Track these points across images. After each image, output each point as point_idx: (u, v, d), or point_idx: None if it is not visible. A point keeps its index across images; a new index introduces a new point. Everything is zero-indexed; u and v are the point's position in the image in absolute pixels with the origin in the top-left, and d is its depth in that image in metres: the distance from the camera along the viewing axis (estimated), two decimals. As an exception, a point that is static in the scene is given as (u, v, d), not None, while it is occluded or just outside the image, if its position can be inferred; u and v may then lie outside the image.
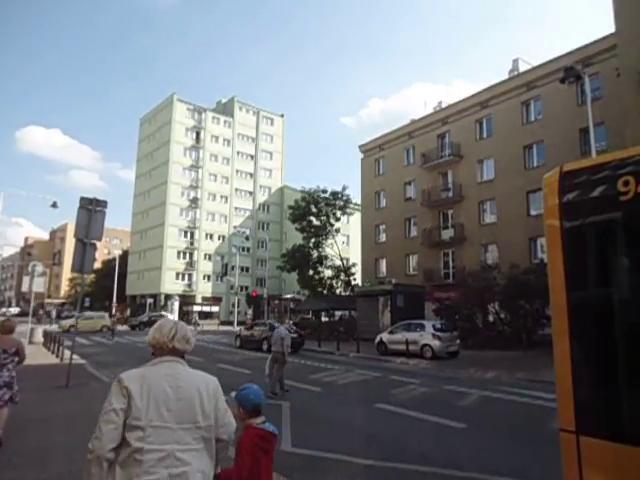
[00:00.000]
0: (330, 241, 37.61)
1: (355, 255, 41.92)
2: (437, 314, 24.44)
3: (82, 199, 10.51)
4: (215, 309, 59.41)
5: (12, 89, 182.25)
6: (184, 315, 54.19)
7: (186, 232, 59.80)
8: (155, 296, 56.33)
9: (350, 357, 19.36)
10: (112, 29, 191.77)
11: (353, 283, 37.77)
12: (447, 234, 31.64)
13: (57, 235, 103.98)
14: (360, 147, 41.12)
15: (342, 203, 37.69)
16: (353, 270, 38.86)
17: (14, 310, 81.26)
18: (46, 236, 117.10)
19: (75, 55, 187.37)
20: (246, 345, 22.60)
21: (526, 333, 21.25)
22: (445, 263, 31.87)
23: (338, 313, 36.50)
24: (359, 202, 40.78)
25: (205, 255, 60.69)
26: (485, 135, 30.81)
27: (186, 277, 59.03)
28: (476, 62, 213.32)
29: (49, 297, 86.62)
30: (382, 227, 37.35)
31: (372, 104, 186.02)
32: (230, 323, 39.34)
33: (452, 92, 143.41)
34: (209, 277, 60.41)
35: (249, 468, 2.39)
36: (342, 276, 38.16)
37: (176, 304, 54.22)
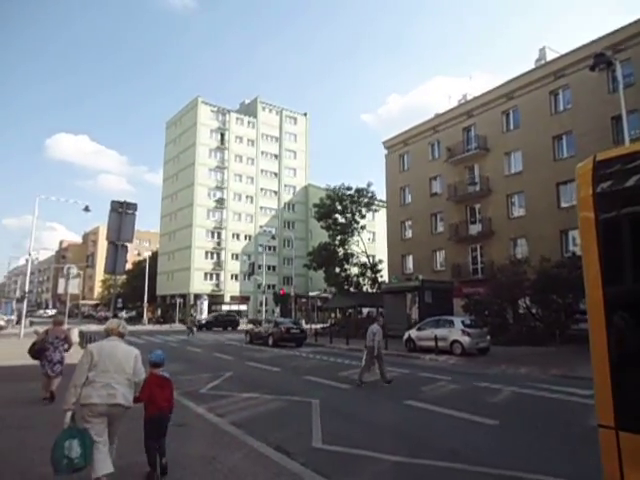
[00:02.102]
0: (356, 238, 37.51)
1: (381, 252, 41.69)
2: (466, 310, 24.11)
3: (113, 202, 10.74)
4: (243, 308, 60.07)
5: (40, 97, 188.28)
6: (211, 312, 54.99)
7: (213, 232, 60.63)
8: (184, 296, 57.35)
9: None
10: (136, 36, 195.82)
11: (380, 280, 37.58)
12: (475, 229, 31.15)
13: (89, 238, 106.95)
14: (384, 143, 40.85)
15: (367, 200, 37.52)
16: (379, 267, 38.65)
17: (51, 311, 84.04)
18: (79, 239, 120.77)
19: (101, 63, 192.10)
20: (255, 340, 24.76)
21: (559, 328, 20.73)
22: (473, 258, 31.38)
23: (365, 310, 36.43)
24: (384, 199, 40.54)
25: (232, 255, 61.41)
26: (512, 127, 30.15)
27: (214, 277, 59.87)
28: (498, 54, 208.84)
29: (83, 298, 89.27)
30: (408, 223, 37.03)
31: (391, 100, 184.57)
32: (259, 322, 39.71)
33: (474, 85, 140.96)
34: (237, 276, 61.12)
35: (148, 395, 4.48)
36: (369, 273, 38.01)
37: (205, 303, 55.12)
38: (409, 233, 36.94)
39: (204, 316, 47.54)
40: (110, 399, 3.98)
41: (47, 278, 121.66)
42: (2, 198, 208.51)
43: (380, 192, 39.99)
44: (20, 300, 44.24)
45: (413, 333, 19.78)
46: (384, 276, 38.60)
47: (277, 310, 51.62)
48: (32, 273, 33.93)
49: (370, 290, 37.70)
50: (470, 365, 15.40)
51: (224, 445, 5.78)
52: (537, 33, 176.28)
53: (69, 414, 3.92)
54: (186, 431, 6.42)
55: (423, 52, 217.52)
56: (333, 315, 43.59)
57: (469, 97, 36.07)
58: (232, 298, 60.17)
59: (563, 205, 26.03)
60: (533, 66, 31.56)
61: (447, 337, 18.01)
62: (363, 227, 38.00)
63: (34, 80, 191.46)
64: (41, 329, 9.03)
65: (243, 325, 44.77)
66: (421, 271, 32.66)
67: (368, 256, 38.00)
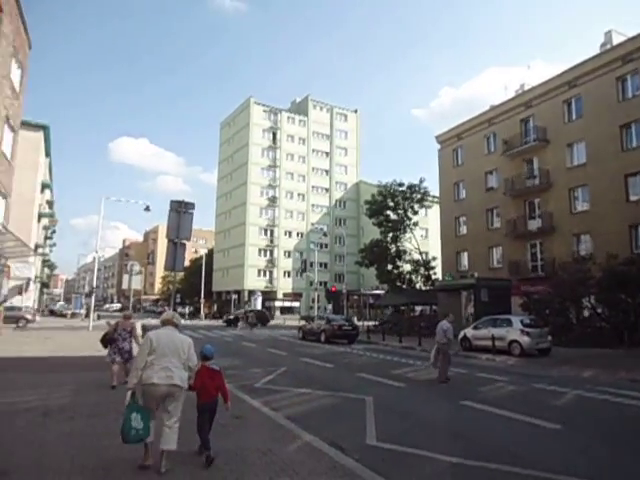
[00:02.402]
0: (408, 235, 36.98)
1: (434, 249, 40.87)
2: (525, 309, 23.18)
3: (172, 202, 11.20)
4: (296, 304, 60.89)
5: (104, 103, 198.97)
6: (266, 310, 56.10)
7: (266, 230, 61.78)
8: (239, 292, 58.87)
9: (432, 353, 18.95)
10: (189, 41, 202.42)
11: (433, 277, 36.87)
12: (534, 224, 29.82)
13: (150, 236, 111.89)
14: (437, 138, 39.94)
15: (420, 196, 36.87)
16: (433, 264, 37.91)
17: (116, 306, 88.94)
18: (140, 238, 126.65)
19: (157, 68, 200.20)
20: (307, 336, 25.02)
21: (628, 329, 19.50)
22: (532, 255, 30.06)
23: (418, 308, 35.87)
24: (437, 194, 39.69)
25: (285, 252, 62.34)
26: (574, 117, 28.55)
27: (267, 274, 61.04)
28: (559, 40, 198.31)
29: (145, 293, 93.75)
30: (462, 219, 36.03)
31: (443, 94, 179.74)
32: (311, 318, 40.07)
33: (531, 75, 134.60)
34: (289, 273, 61.98)
35: (200, 384, 4.91)
36: (422, 270, 37.37)
37: (259, 300, 56.28)
38: (464, 229, 35.94)
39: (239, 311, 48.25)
40: (168, 380, 4.47)
41: (112, 274, 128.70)
42: (71, 200, 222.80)
43: (433, 188, 39.21)
44: (88, 295, 47.04)
45: (469, 332, 19.27)
46: (438, 273, 37.83)
47: (329, 307, 51.87)
48: (98, 270, 36.06)
49: (423, 288, 37.08)
50: (530, 366, 14.81)
51: (279, 438, 5.90)
52: (601, 16, 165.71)
53: (129, 393, 4.49)
54: (242, 423, 6.60)
55: (477, 43, 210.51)
56: (380, 312, 43.33)
57: (527, 87, 34.54)
58: (285, 295, 61.12)
59: (632, 198, 24.40)
60: (598, 51, 29.73)
61: (505, 337, 17.40)
62: (416, 224, 37.40)
63: (97, 88, 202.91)
64: (112, 322, 9.90)
65: (273, 322, 45.62)
66: (476, 268, 31.71)
67: (421, 253, 37.36)
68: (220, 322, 44.09)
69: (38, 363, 12.47)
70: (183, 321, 37.21)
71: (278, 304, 59.77)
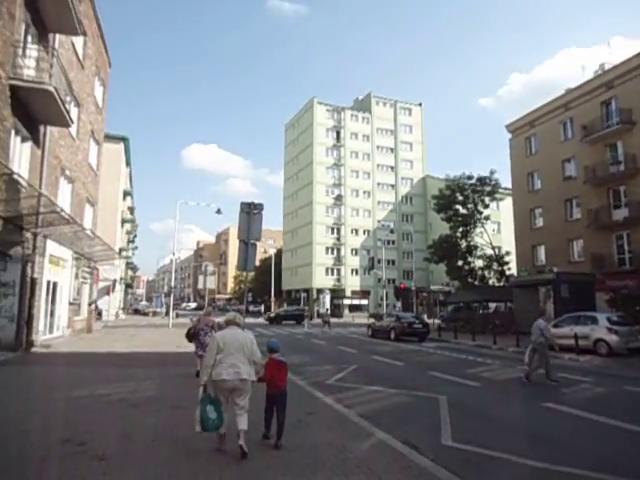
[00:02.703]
0: (479, 229, 35.62)
1: (508, 243, 39.07)
2: (612, 305, 21.61)
3: (242, 204, 11.58)
4: (364, 302, 60.74)
5: (176, 113, 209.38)
6: (335, 308, 56.45)
7: (333, 229, 62.17)
8: (308, 290, 59.74)
9: (509, 352, 18.16)
10: (251, 46, 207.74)
11: (508, 273, 35.25)
12: (620, 214, 27.58)
13: (222, 238, 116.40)
14: (507, 127, 38.12)
15: (490, 188, 35.36)
16: (507, 259, 36.25)
17: (192, 305, 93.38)
18: (213, 239, 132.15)
19: (223, 74, 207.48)
20: (377, 335, 24.68)
21: None
22: (619, 247, 27.82)
23: (492, 305, 34.47)
24: (509, 186, 37.87)
25: (352, 250, 62.40)
26: (664, 94, 26.07)
27: (335, 272, 61.41)
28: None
29: (218, 293, 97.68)
30: (538, 211, 34.12)
31: (513, 80, 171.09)
32: (380, 316, 39.77)
33: (612, 53, 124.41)
34: (357, 271, 61.96)
35: (269, 376, 5.37)
36: (494, 266, 35.85)
37: (327, 297, 56.76)
38: (539, 222, 34.01)
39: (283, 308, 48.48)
40: (236, 375, 4.93)
41: (188, 275, 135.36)
42: (150, 206, 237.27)
43: (504, 179, 37.47)
44: (167, 295, 49.82)
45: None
46: (512, 269, 36.13)
47: (398, 304, 51.25)
48: (175, 271, 38.07)
49: (497, 284, 35.59)
50: (619, 367, 13.77)
51: (352, 435, 5.93)
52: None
53: (201, 388, 5.01)
54: (316, 419, 6.71)
55: (548, 24, 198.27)
56: (441, 309, 42.02)
57: (607, 67, 32.01)
58: (353, 292, 61.18)
59: None
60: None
61: (589, 335, 16.30)
62: (487, 217, 35.93)
63: (168, 100, 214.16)
64: (194, 318, 11.08)
65: (342, 319, 45.15)
66: (555, 263, 29.91)
67: (493, 248, 35.86)
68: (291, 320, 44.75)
69: (127, 358, 13.41)
70: (259, 319, 37.93)
71: (346, 302, 59.94)
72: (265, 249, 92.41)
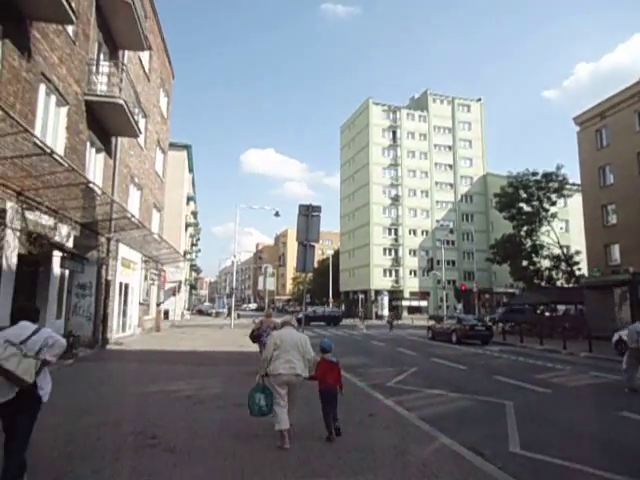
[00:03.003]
0: (545, 228, 33.89)
1: (577, 242, 36.87)
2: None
3: (300, 206, 11.74)
4: (423, 303, 59.62)
5: (234, 121, 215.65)
6: (393, 309, 55.80)
7: (390, 229, 61.52)
8: (366, 292, 59.45)
9: (580, 357, 17.15)
10: (305, 50, 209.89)
11: (578, 274, 33.28)
12: None
13: (280, 240, 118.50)
14: (575, 119, 36.01)
15: (557, 185, 33.58)
16: (576, 259, 34.24)
17: (252, 306, 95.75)
18: (271, 241, 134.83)
19: (279, 79, 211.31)
20: (437, 337, 24.19)
21: None
22: None
23: (561, 307, 32.70)
24: (578, 182, 35.74)
25: (410, 251, 61.45)
26: None
27: (393, 273, 60.71)
28: None
29: (277, 294, 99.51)
30: (611, 207, 31.93)
31: (579, 70, 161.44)
32: (440, 318, 38.78)
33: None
34: (415, 272, 60.93)
35: (320, 374, 5.71)
36: (563, 266, 34.00)
37: (385, 299, 56.24)
38: (613, 219, 31.82)
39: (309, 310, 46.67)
40: (291, 370, 5.38)
41: (248, 277, 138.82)
42: (212, 210, 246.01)
43: (572, 175, 35.48)
44: (229, 296, 51.38)
45: (625, 334, 17.00)
46: (583, 269, 34.07)
47: (459, 306, 49.81)
48: (236, 272, 39.16)
49: (565, 285, 33.70)
50: None
51: (414, 439, 5.84)
52: None
53: (258, 377, 5.59)
54: (376, 421, 6.67)
55: (617, 7, 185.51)
56: (486, 310, 40.17)
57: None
58: (411, 294, 60.22)
59: None
60: None
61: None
62: (553, 215, 34.14)
63: (227, 106, 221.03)
64: (257, 320, 11.36)
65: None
66: (632, 262, 27.84)
67: (561, 247, 34.02)
68: (349, 321, 44.66)
69: (192, 357, 13.99)
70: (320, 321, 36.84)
71: (405, 303, 59.09)
72: (322, 251, 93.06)
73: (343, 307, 65.28)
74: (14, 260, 9.30)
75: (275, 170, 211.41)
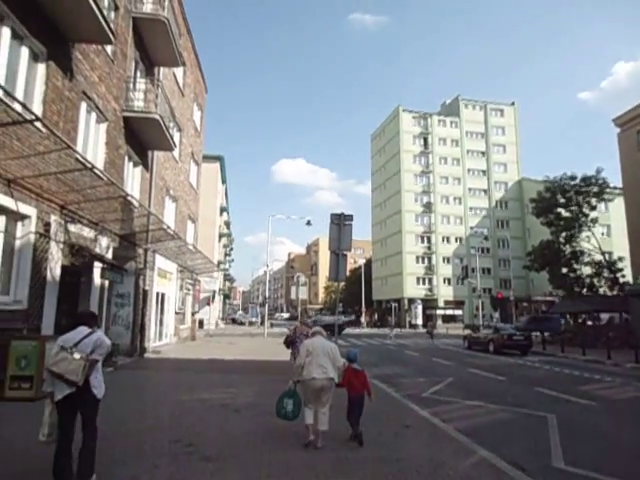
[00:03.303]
0: (586, 234, 32.69)
1: (621, 247, 35.43)
2: None
3: (332, 215, 11.78)
4: (458, 312, 58.43)
5: (265, 132, 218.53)
6: (427, 319, 54.99)
7: (422, 237, 60.78)
8: (399, 300, 58.78)
9: (626, 368, 16.39)
10: (334, 60, 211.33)
11: (622, 281, 31.91)
12: None
13: (312, 249, 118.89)
14: (615, 121, 34.75)
15: (597, 188, 32.38)
16: (620, 265, 32.84)
17: (285, 315, 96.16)
18: (303, 250, 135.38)
19: (310, 89, 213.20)
20: (473, 347, 23.91)
21: None
22: None
23: (604, 316, 31.38)
24: (619, 185, 34.39)
25: (443, 258, 60.49)
26: None
27: (426, 281, 59.83)
28: None
29: (310, 303, 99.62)
30: (656, 211, 30.57)
31: (618, 69, 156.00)
32: (477, 327, 37.84)
33: None
34: (449, 280, 59.87)
35: (347, 380, 6.00)
36: (605, 273, 32.64)
37: (419, 308, 55.44)
38: (659, 223, 30.44)
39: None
40: (324, 374, 5.68)
41: (280, 286, 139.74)
42: (244, 221, 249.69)
43: (613, 178, 34.15)
44: (262, 305, 51.79)
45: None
46: (627, 276, 32.65)
47: (495, 315, 48.59)
48: (269, 282, 39.49)
49: (609, 293, 32.34)
50: None
51: (452, 452, 5.70)
52: None
53: (291, 382, 5.92)
54: (412, 433, 6.55)
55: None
56: (563, 321, 38.73)
57: None
58: (446, 302, 59.17)
59: None
60: None
61: None
62: (594, 220, 32.90)
63: (258, 119, 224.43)
64: (291, 327, 11.94)
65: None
66: (680, 268, 26.55)
67: (603, 253, 32.70)
68: (384, 330, 44.19)
69: (227, 365, 14.14)
70: (358, 330, 37.43)
71: (439, 312, 58.05)
72: (354, 259, 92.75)
73: (376, 316, 64.76)
74: (58, 271, 9.67)
75: (306, 179, 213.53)
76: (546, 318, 31.53)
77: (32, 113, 6.55)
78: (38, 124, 7.86)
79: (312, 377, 5.64)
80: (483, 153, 64.43)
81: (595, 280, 32.91)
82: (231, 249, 64.29)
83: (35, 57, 8.90)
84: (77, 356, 3.94)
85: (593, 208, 32.66)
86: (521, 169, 64.84)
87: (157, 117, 13.75)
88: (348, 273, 70.86)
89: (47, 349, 8.09)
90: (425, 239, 60.82)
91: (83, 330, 4.25)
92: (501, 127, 65.56)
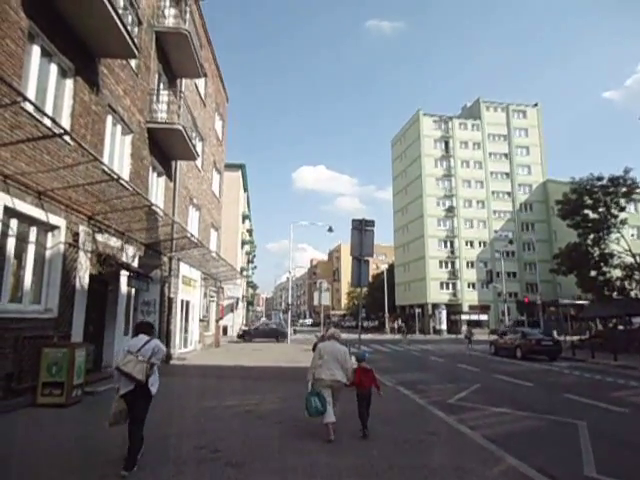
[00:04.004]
0: (615, 235, 31.84)
1: (652, 249, 34.35)
2: None
3: (353, 221, 11.79)
4: (483, 317, 57.43)
5: (285, 140, 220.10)
6: (452, 324, 54.24)
7: (445, 242, 60.09)
8: (422, 306, 58.16)
9: (661, 374, 15.85)
10: (354, 67, 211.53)
11: (654, 283, 30.90)
12: None
13: (334, 255, 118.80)
14: (643, 118, 33.89)
15: (626, 189, 31.53)
16: (652, 268, 31.83)
17: (308, 321, 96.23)
18: (325, 257, 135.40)
19: (330, 96, 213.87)
20: (500, 352, 23.66)
21: None
22: None
23: (636, 320, 30.43)
24: (650, 185, 33.40)
25: (467, 263, 59.62)
26: None
27: (450, 286, 59.05)
28: None
29: (332, 309, 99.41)
30: (689, 211, 29.61)
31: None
32: (503, 332, 37.04)
33: None
34: (474, 285, 58.97)
35: (357, 380, 6.55)
36: (637, 275, 31.69)
37: (443, 313, 54.76)
38: (692, 223, 29.46)
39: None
40: (331, 377, 6.33)
41: (303, 292, 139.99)
42: (266, 228, 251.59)
43: (643, 177, 33.12)
44: (285, 311, 51.97)
45: None
46: (659, 278, 31.61)
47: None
48: (291, 288, 39.62)
49: (640, 296, 31.36)
50: None
51: (479, 459, 5.60)
52: None
53: (309, 384, 6.52)
54: (438, 440, 6.47)
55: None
56: (593, 325, 37.71)
57: None
58: (471, 307, 58.25)
59: None
60: None
61: None
62: (623, 222, 32.04)
63: (278, 128, 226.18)
64: (319, 334, 11.73)
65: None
66: None
67: (634, 255, 31.77)
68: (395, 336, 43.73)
69: (251, 372, 14.22)
70: (380, 336, 37.24)
71: (464, 317, 57.16)
72: (377, 265, 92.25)
73: (400, 321, 64.17)
74: (86, 280, 9.92)
75: (327, 186, 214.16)
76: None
77: (61, 127, 6.78)
78: (67, 137, 8.12)
79: (321, 378, 6.36)
80: (506, 155, 63.47)
81: (626, 283, 31.97)
82: (254, 256, 64.78)
83: (63, 73, 9.20)
84: (141, 359, 4.78)
85: (622, 209, 31.81)
86: (546, 171, 63.59)
87: (180, 128, 14.02)
88: (371, 279, 70.57)
89: (77, 356, 8.37)
90: (448, 243, 60.12)
91: (143, 337, 5.05)
92: (524, 129, 64.52)
